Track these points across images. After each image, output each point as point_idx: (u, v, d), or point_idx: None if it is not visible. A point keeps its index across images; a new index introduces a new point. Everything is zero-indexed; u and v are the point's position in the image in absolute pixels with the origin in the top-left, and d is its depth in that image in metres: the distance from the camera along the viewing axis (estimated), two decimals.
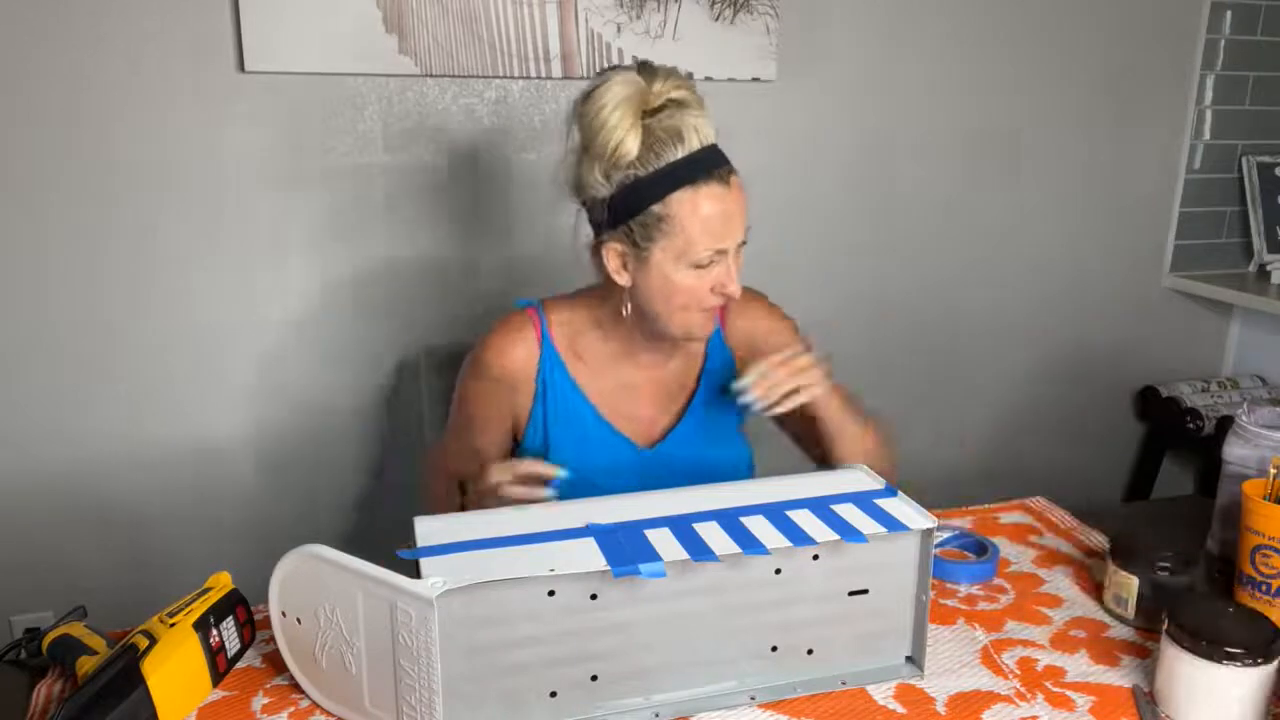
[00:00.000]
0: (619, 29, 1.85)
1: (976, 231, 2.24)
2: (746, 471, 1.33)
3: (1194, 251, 2.43)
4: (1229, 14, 2.28)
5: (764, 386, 1.07)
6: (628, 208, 1.08)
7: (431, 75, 1.78)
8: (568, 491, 1.04)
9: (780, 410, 1.09)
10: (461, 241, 1.87)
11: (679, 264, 1.08)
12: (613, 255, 1.13)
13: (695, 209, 1.06)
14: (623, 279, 1.13)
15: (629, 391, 1.24)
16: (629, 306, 1.15)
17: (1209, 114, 2.35)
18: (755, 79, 1.96)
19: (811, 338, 1.31)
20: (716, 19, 1.90)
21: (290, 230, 1.78)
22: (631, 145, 1.06)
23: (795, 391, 1.09)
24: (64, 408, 1.74)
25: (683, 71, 1.14)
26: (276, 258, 1.79)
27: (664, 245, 1.08)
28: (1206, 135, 2.36)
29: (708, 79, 1.93)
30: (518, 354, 1.21)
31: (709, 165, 1.08)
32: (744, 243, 1.12)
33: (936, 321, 2.26)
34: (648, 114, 1.08)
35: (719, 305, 1.13)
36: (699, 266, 1.09)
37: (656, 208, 1.07)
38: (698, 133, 1.08)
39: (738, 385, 1.09)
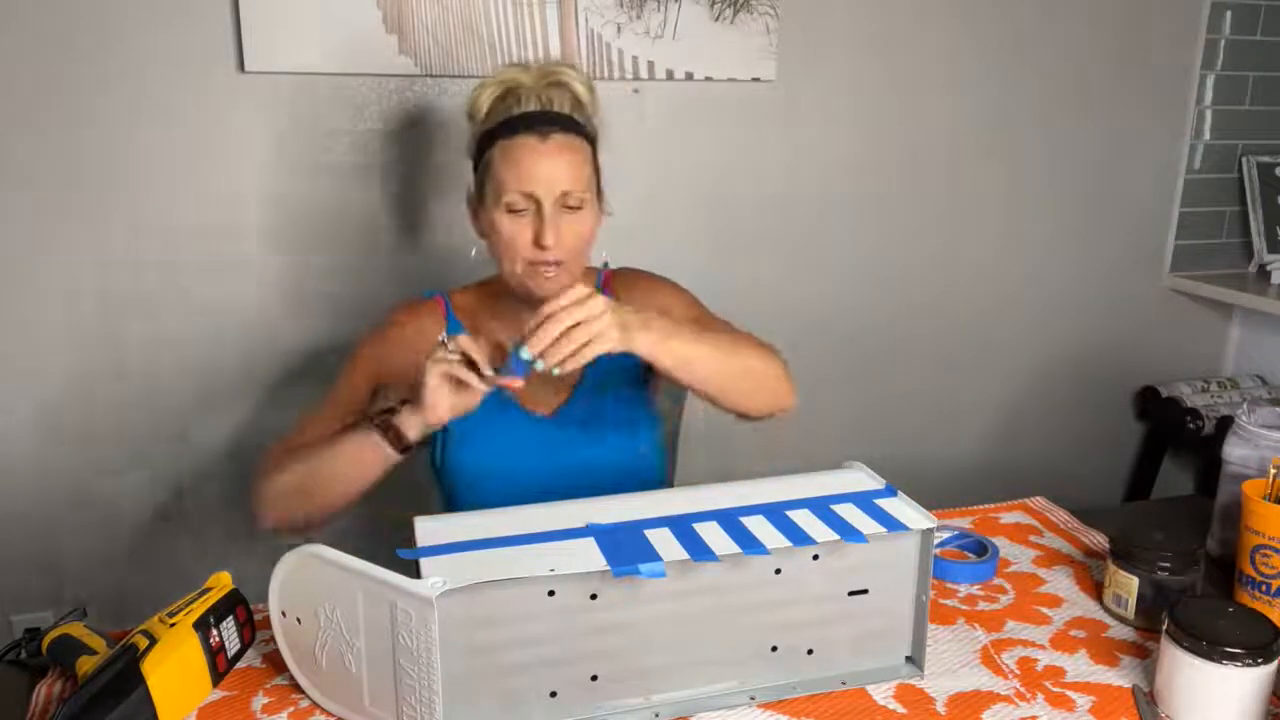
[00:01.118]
0: (619, 29, 1.85)
1: (976, 231, 2.24)
2: (648, 434, 1.34)
3: (1194, 251, 2.43)
4: (1229, 14, 2.28)
5: (540, 343, 1.00)
6: (473, 160, 1.24)
7: (431, 75, 1.78)
8: (478, 472, 1.15)
9: (569, 368, 1.01)
10: (462, 241, 1.86)
11: (497, 206, 1.18)
12: (469, 204, 1.26)
13: (506, 154, 1.17)
14: (475, 227, 1.27)
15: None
16: (476, 252, 1.27)
17: (1209, 114, 2.35)
18: (755, 79, 1.96)
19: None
20: (716, 19, 1.90)
21: (290, 229, 1.78)
22: (481, 106, 1.20)
23: (584, 344, 1.01)
24: (64, 407, 1.74)
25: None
26: (276, 257, 1.79)
27: (488, 189, 1.20)
28: (1206, 135, 2.36)
29: (708, 79, 1.93)
30: (425, 322, 1.29)
31: (534, 121, 1.17)
32: (573, 207, 1.18)
33: (936, 321, 2.26)
34: (514, 89, 1.19)
35: (545, 260, 1.17)
36: (511, 210, 1.17)
37: (486, 155, 1.20)
38: (538, 99, 1.18)
39: (525, 353, 1.00)
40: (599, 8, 1.82)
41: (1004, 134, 2.20)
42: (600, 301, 1.02)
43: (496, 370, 1.04)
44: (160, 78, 1.66)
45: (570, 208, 1.18)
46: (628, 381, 1.32)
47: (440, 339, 1.06)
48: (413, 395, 1.07)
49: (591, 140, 1.23)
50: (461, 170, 1.90)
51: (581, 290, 1.02)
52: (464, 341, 1.05)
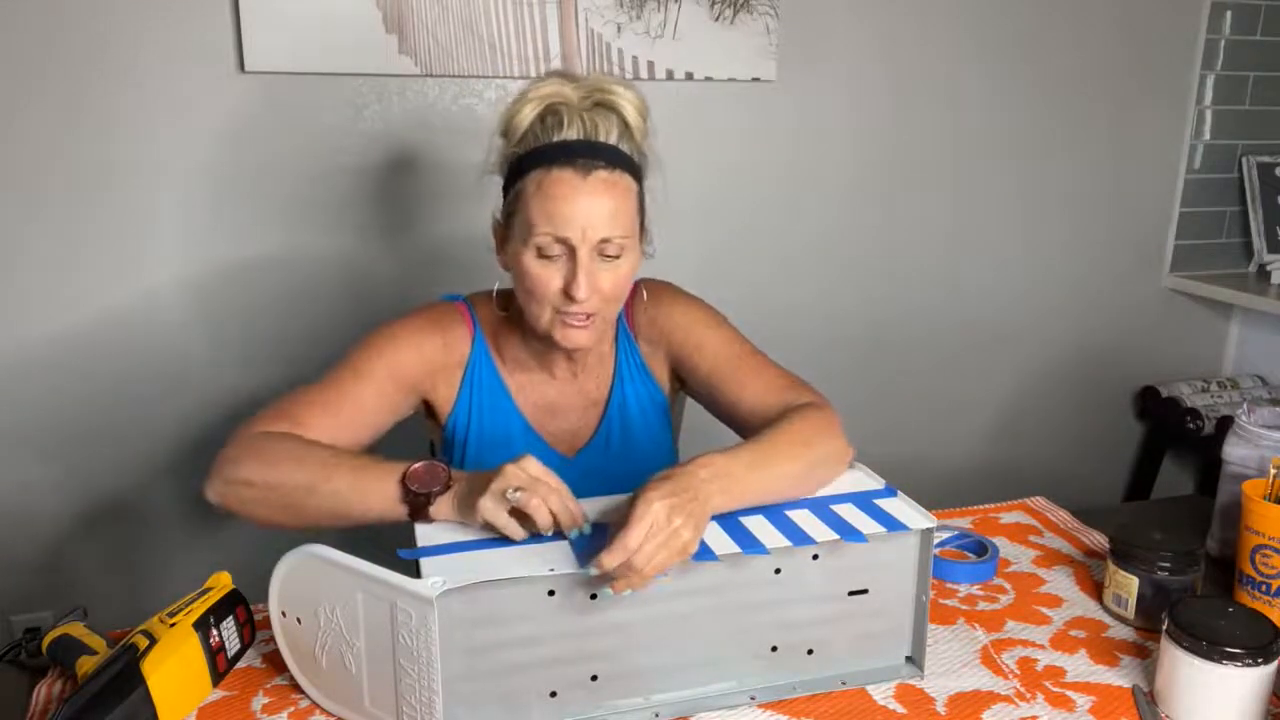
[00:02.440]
0: (619, 29, 1.85)
1: (976, 231, 2.24)
2: (669, 459, 1.27)
3: (1194, 251, 2.43)
4: (1229, 14, 2.28)
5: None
6: (505, 183, 1.10)
7: (431, 75, 1.78)
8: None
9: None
10: (463, 241, 1.87)
11: (525, 246, 1.06)
12: (494, 231, 1.14)
13: (540, 188, 1.04)
14: (499, 258, 1.14)
15: (549, 404, 1.21)
16: (499, 285, 1.17)
17: (1209, 114, 2.35)
18: (755, 79, 1.96)
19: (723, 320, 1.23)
20: (716, 19, 1.90)
21: (291, 229, 1.78)
22: (519, 125, 1.06)
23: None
24: (65, 408, 1.74)
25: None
26: (277, 257, 1.79)
27: (516, 222, 1.08)
28: (1206, 135, 2.36)
29: (708, 79, 1.93)
30: (453, 336, 1.17)
31: (574, 153, 1.04)
32: (611, 255, 1.06)
33: (936, 321, 2.26)
34: (556, 107, 1.06)
35: (573, 312, 1.06)
36: (542, 255, 1.05)
37: (518, 184, 1.07)
38: (583, 124, 1.05)
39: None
40: (599, 8, 1.82)
41: (1003, 134, 2.20)
42: (678, 517, 0.87)
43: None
44: (160, 77, 1.66)
45: (608, 256, 1.06)
46: (653, 409, 1.24)
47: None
48: (468, 494, 0.93)
49: (640, 174, 1.10)
50: (463, 170, 1.90)
51: (655, 512, 0.86)
52: (569, 500, 0.92)
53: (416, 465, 0.96)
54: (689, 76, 1.92)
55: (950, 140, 2.16)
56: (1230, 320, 2.52)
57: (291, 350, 1.83)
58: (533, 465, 0.93)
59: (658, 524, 0.86)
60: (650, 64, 1.89)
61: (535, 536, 0.92)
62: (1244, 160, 2.40)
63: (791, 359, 1.23)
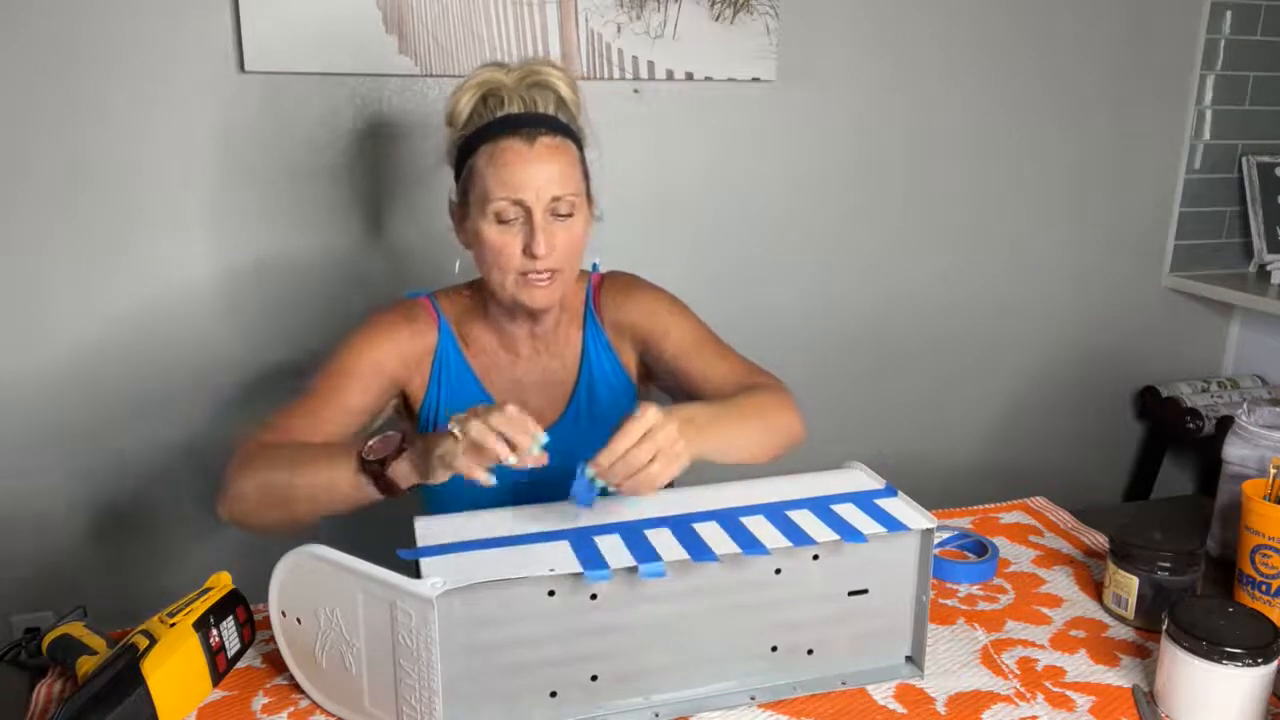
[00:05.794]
0: (619, 29, 1.85)
1: (976, 232, 2.24)
2: None
3: (1194, 251, 2.43)
4: (1229, 14, 2.28)
5: (622, 476, 0.94)
6: (456, 167, 1.19)
7: (431, 75, 1.78)
8: (460, 491, 0.98)
9: (643, 492, 0.96)
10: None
11: (484, 216, 1.14)
12: (451, 212, 1.22)
13: (491, 160, 1.13)
14: (459, 238, 1.22)
15: (515, 384, 1.27)
16: (460, 265, 1.24)
17: (1209, 114, 2.35)
18: (755, 79, 1.96)
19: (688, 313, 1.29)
20: (716, 19, 1.90)
21: (289, 229, 1.78)
22: (461, 111, 1.16)
23: (653, 462, 0.95)
24: (65, 408, 1.73)
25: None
26: (275, 257, 1.79)
27: (473, 198, 1.16)
28: (1206, 135, 2.36)
29: (708, 79, 1.93)
30: (420, 326, 1.24)
31: (519, 124, 1.13)
32: (564, 214, 1.14)
33: (936, 322, 2.26)
34: (495, 90, 1.16)
35: (535, 270, 1.14)
36: (501, 221, 1.13)
37: (469, 162, 1.15)
38: (522, 101, 1.15)
39: (589, 472, 0.94)
40: (599, 8, 1.82)
41: (1004, 135, 2.20)
42: (673, 427, 0.96)
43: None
44: (160, 77, 1.66)
45: (561, 215, 1.14)
46: (622, 391, 1.29)
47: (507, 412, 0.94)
48: (423, 450, 0.97)
49: (579, 141, 1.19)
50: None
51: (652, 416, 0.95)
52: (513, 414, 0.93)
53: (374, 439, 1.01)
54: (689, 76, 1.92)
55: (949, 141, 2.16)
56: (1230, 320, 2.52)
57: (290, 350, 1.82)
58: (477, 407, 0.95)
59: (654, 426, 0.95)
60: (650, 64, 1.89)
61: (539, 536, 0.91)
62: (1244, 160, 2.40)
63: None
